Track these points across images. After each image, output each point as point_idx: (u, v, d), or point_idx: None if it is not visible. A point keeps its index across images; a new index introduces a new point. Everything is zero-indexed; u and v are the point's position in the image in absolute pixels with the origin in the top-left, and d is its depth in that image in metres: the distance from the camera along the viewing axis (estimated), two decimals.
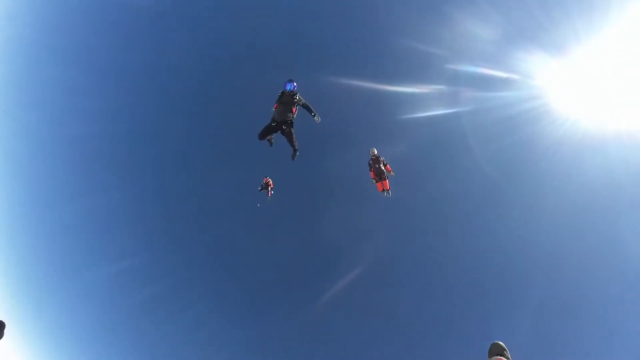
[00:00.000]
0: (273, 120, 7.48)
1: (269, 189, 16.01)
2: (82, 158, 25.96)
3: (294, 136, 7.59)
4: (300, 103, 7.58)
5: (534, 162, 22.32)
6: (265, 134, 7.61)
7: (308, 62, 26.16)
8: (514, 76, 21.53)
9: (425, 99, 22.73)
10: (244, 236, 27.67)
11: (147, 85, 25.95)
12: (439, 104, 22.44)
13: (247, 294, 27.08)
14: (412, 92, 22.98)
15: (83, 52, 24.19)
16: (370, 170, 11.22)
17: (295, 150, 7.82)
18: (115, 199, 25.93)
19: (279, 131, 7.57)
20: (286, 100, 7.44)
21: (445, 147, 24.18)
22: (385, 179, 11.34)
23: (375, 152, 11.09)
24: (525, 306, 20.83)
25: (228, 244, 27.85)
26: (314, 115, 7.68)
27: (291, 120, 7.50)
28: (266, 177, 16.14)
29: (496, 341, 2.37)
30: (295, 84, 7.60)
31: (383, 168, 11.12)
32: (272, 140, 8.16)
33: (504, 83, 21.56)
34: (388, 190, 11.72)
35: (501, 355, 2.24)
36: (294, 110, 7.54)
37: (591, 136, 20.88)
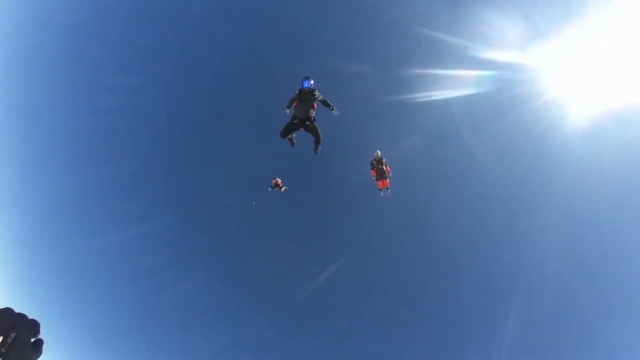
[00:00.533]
0: (295, 117, 7.66)
1: (280, 187, 16.49)
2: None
3: (319, 129, 7.81)
4: (320, 99, 7.73)
5: (526, 147, 22.59)
6: (287, 132, 7.84)
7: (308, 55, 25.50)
8: (506, 60, 21.30)
9: (418, 84, 22.39)
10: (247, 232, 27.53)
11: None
12: (435, 88, 22.14)
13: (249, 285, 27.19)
14: (404, 76, 22.67)
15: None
16: (372, 170, 11.90)
17: (319, 142, 7.97)
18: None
19: (302, 128, 7.77)
20: (306, 98, 7.59)
21: (437, 135, 24.12)
22: (386, 178, 12.00)
23: (379, 154, 11.72)
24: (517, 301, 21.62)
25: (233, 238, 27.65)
26: (332, 109, 7.88)
27: (314, 116, 7.69)
28: (275, 178, 16.49)
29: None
30: (312, 81, 7.70)
31: (384, 168, 11.75)
32: (294, 140, 8.39)
33: (498, 66, 21.32)
34: (387, 188, 12.37)
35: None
36: (315, 106, 7.70)
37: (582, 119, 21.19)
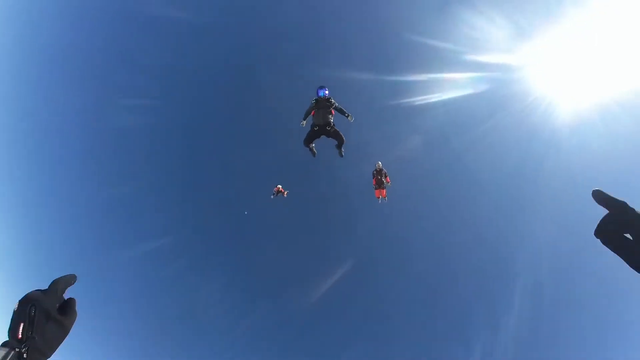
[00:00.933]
0: (315, 125, 8.01)
1: (282, 193, 16.95)
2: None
3: (340, 132, 8.15)
4: (335, 106, 8.12)
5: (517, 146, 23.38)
6: (310, 139, 8.22)
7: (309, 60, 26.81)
8: (494, 61, 22.27)
9: (411, 88, 23.46)
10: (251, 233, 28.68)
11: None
12: (427, 92, 23.18)
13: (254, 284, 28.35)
14: (397, 82, 23.79)
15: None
16: (373, 179, 12.72)
17: (342, 144, 8.30)
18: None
19: (323, 134, 8.13)
20: (323, 105, 7.99)
21: (431, 135, 25.09)
22: (383, 188, 12.83)
23: (380, 165, 12.40)
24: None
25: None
26: (348, 115, 8.20)
27: (329, 123, 8.01)
28: (276, 185, 16.91)
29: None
30: (327, 90, 8.10)
31: (383, 179, 12.55)
32: (315, 150, 8.67)
33: (485, 68, 22.30)
34: (384, 197, 13.21)
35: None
36: (333, 112, 8.11)
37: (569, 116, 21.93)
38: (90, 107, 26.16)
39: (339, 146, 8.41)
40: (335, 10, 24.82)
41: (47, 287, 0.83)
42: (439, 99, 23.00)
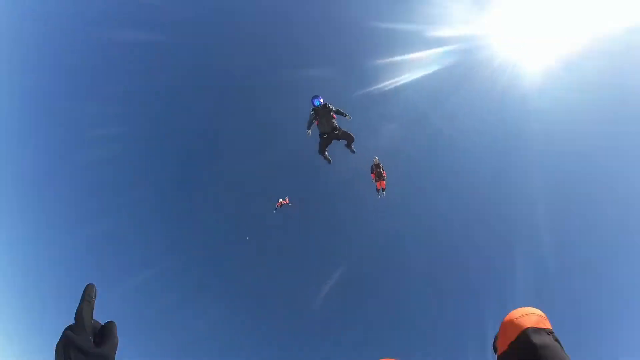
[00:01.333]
0: (323, 133, 8.30)
1: (287, 203, 17.12)
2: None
3: (349, 131, 8.48)
4: (333, 110, 8.36)
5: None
6: (323, 148, 8.54)
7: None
8: (455, 34, 22.57)
9: (380, 74, 23.66)
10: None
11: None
12: (396, 75, 23.39)
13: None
14: (366, 69, 23.98)
15: None
16: (372, 173, 13.56)
17: (352, 142, 8.58)
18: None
19: (333, 139, 8.43)
20: (323, 113, 8.21)
21: (407, 116, 25.36)
22: (383, 180, 13.63)
23: (377, 160, 13.28)
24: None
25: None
26: (346, 115, 8.49)
27: (335, 127, 8.31)
28: (279, 200, 17.02)
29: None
30: (321, 98, 8.29)
31: (382, 172, 13.44)
32: (329, 157, 8.95)
33: (448, 42, 22.57)
34: (384, 189, 13.98)
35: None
36: (334, 117, 8.40)
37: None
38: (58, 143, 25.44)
39: (349, 145, 8.70)
40: (289, 10, 24.85)
41: (74, 322, 0.79)
42: (409, 79, 23.27)
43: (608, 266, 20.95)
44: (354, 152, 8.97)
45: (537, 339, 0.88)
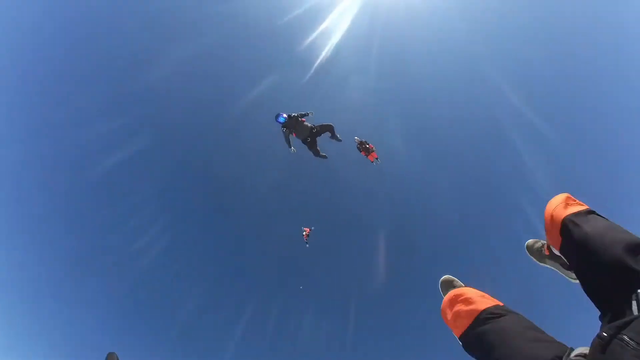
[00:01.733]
0: (304, 139, 8.55)
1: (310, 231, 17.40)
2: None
3: (325, 124, 8.64)
4: (297, 115, 8.46)
5: None
6: (314, 152, 8.82)
7: None
8: None
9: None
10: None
11: None
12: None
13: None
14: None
15: None
16: (361, 151, 14.12)
17: (334, 130, 8.71)
18: None
19: (315, 138, 8.64)
20: (293, 124, 8.37)
21: None
22: (372, 152, 14.26)
23: (359, 139, 13.84)
24: None
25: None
26: (308, 113, 8.64)
27: (310, 128, 8.50)
28: (303, 230, 17.12)
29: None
30: (284, 114, 8.34)
31: (368, 147, 14.06)
32: (322, 153, 9.13)
33: None
34: (377, 158, 14.56)
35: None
36: (304, 120, 8.50)
37: None
38: None
39: (333, 135, 8.79)
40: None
41: None
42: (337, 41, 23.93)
43: None
44: (340, 140, 9.07)
45: (580, 226, 0.86)
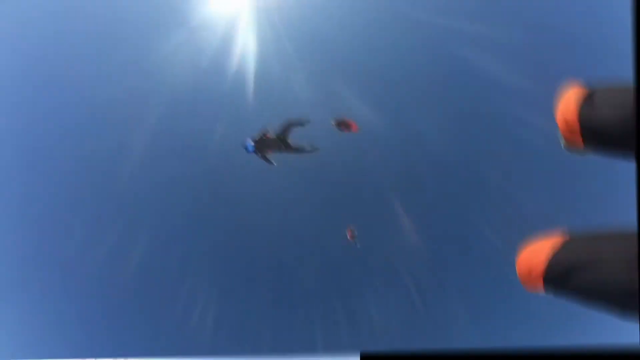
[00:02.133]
0: (283, 151, 8.73)
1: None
2: None
3: (284, 123, 8.58)
4: (261, 134, 8.43)
5: None
6: (299, 150, 8.94)
7: None
8: None
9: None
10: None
11: None
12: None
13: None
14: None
15: None
16: (343, 130, 13.53)
17: (296, 122, 8.72)
18: None
19: (290, 144, 8.70)
20: (263, 145, 8.45)
21: None
22: (352, 124, 13.64)
23: (334, 122, 13.22)
24: None
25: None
26: (267, 130, 8.63)
27: (277, 138, 8.54)
28: (348, 230, 15.96)
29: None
30: (250, 141, 8.34)
31: (347, 122, 13.47)
32: (310, 147, 9.31)
33: None
34: (357, 129, 13.96)
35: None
36: (269, 136, 8.48)
37: None
38: None
39: (297, 124, 8.71)
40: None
41: None
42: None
43: None
44: (307, 121, 8.94)
45: (591, 111, 0.74)
